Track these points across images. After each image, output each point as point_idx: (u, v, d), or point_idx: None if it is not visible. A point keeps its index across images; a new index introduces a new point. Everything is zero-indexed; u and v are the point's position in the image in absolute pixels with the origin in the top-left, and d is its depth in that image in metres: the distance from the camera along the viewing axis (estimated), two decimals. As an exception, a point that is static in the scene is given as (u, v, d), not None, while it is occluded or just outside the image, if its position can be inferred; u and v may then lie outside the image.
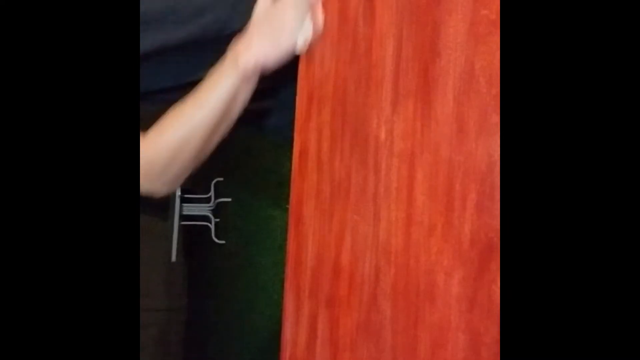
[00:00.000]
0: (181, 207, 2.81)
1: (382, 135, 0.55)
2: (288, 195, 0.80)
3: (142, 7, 0.72)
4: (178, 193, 2.79)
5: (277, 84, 0.86)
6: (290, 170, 0.80)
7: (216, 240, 2.78)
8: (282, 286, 0.81)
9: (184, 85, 0.78)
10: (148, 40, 0.73)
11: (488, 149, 0.39)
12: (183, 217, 2.84)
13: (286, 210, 0.81)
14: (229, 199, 2.77)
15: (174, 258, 2.95)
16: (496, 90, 0.39)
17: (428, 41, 0.46)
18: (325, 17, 0.70)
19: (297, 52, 0.73)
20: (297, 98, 0.78)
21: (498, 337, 0.35)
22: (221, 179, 2.80)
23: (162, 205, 3.00)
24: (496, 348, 0.37)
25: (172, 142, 0.71)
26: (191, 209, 2.85)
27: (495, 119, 0.39)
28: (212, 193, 2.80)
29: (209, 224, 2.81)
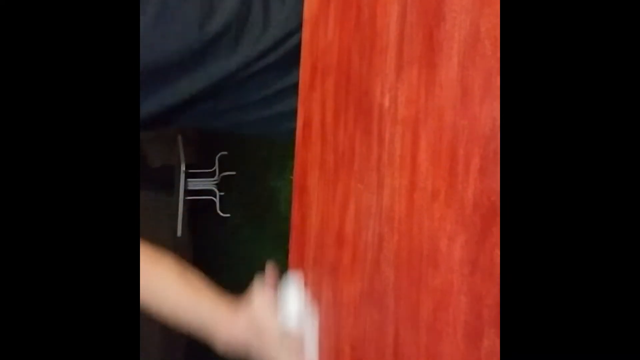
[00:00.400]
0: (186, 182, 2.82)
1: (386, 103, 0.55)
2: (292, 167, 0.81)
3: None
4: (183, 168, 2.80)
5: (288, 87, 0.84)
6: (294, 141, 0.80)
7: (221, 214, 2.80)
8: (286, 256, 0.82)
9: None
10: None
11: (492, 112, 0.38)
12: (188, 192, 2.85)
13: (290, 181, 0.82)
14: (234, 173, 2.77)
15: (179, 233, 2.98)
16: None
17: (433, 5, 0.46)
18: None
19: None
20: (301, 68, 0.78)
21: (499, 298, 0.35)
22: (225, 152, 2.81)
23: (167, 180, 3.01)
24: (497, 310, 0.37)
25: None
26: (196, 184, 2.86)
27: (499, 81, 0.38)
28: (216, 167, 2.81)
29: (213, 198, 2.83)
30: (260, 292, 0.74)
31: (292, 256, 0.80)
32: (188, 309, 0.75)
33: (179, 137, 2.94)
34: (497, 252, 0.37)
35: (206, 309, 0.74)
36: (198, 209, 3.07)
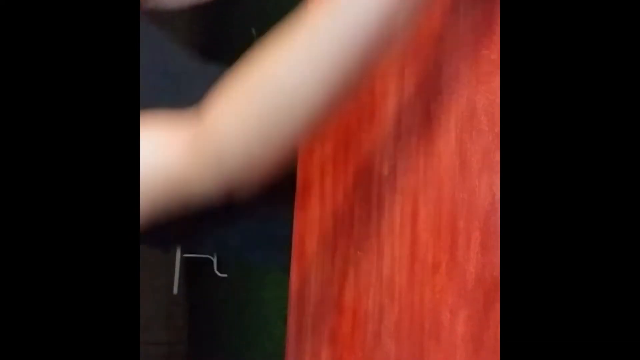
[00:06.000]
0: (183, 239, 2.79)
1: (385, 171, 0.56)
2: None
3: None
4: (180, 225, 2.78)
5: (261, 215, 0.76)
6: (292, 205, 0.80)
7: (218, 273, 2.76)
8: (284, 322, 0.80)
9: None
10: None
11: (491, 186, 0.39)
12: (185, 250, 2.83)
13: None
14: (232, 232, 2.75)
15: (175, 291, 2.94)
16: (498, 128, 0.39)
17: (430, 79, 0.47)
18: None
19: None
20: (300, 133, 0.79)
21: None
22: (224, 211, 2.79)
23: (163, 237, 2.98)
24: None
25: (274, 88, 0.39)
26: (193, 242, 2.83)
27: (498, 156, 0.39)
28: (214, 226, 2.79)
29: (211, 257, 2.80)
30: None
31: (291, 322, 0.79)
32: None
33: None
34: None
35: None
36: (195, 267, 3.04)
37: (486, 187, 0.39)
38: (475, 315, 0.39)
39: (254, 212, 0.68)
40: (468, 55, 0.43)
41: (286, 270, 0.70)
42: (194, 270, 3.14)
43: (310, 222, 0.74)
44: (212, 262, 2.79)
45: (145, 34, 0.55)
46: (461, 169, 0.42)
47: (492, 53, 0.40)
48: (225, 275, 2.76)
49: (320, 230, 0.71)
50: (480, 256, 0.39)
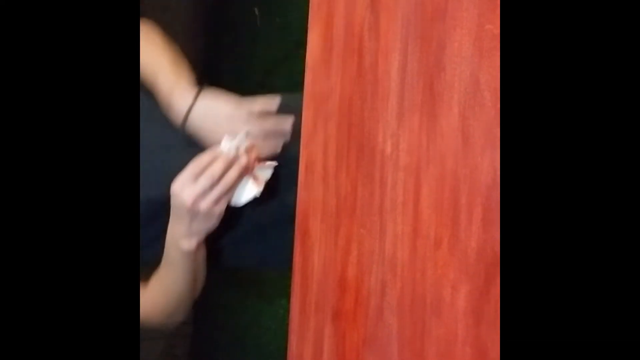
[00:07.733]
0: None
1: (388, 149, 0.56)
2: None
3: None
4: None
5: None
6: (296, 183, 0.80)
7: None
8: (288, 301, 0.81)
9: None
10: None
11: (493, 162, 0.39)
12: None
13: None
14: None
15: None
16: (501, 104, 0.39)
17: (433, 55, 0.47)
18: (331, 32, 0.71)
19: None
20: (304, 111, 0.79)
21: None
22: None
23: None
24: (503, 363, 0.36)
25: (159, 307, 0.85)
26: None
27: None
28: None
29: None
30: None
31: (294, 300, 0.80)
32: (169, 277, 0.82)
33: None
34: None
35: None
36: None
37: (488, 163, 0.39)
38: (476, 290, 0.40)
39: None
40: (471, 31, 0.42)
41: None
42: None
43: (314, 200, 0.74)
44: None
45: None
46: (464, 145, 0.42)
47: (496, 28, 0.40)
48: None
49: (324, 209, 0.71)
50: (481, 232, 0.39)
